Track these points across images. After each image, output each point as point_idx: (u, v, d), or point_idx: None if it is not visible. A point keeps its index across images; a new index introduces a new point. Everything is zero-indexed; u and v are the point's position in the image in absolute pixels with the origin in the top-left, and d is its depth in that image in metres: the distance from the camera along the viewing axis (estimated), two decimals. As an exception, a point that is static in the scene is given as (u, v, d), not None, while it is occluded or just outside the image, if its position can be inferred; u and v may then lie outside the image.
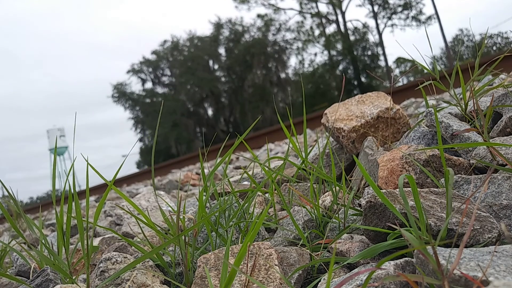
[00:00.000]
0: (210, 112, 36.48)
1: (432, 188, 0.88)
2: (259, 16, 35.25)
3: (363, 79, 33.19)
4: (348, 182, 1.37)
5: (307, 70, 34.88)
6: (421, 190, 0.87)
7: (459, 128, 1.16)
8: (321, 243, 0.96)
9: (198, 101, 35.03)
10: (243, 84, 34.62)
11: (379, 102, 1.55)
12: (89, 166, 0.96)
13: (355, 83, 33.26)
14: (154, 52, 36.99)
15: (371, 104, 1.55)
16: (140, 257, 0.86)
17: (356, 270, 0.75)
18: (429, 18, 32.00)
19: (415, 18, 32.74)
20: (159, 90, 36.94)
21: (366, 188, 1.12)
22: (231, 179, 2.23)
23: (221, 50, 36.39)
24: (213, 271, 0.83)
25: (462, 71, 1.33)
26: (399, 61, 33.24)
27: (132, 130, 37.24)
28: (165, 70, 37.20)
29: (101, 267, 0.96)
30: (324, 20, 34.73)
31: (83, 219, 0.94)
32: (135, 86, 53.07)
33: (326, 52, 34.81)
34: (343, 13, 34.01)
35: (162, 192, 2.09)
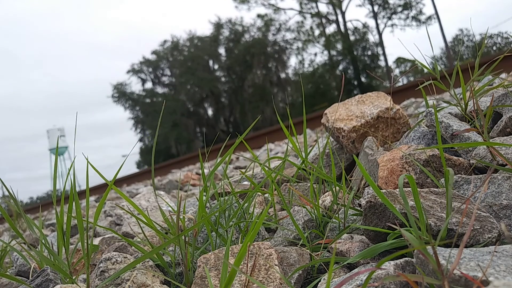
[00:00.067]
0: (210, 112, 36.50)
1: (432, 188, 0.88)
2: (259, 16, 35.27)
3: (363, 79, 33.20)
4: (348, 182, 1.37)
5: (307, 70, 34.89)
6: (421, 190, 0.87)
7: (459, 128, 1.16)
8: (321, 243, 0.96)
9: (198, 101, 35.03)
10: (243, 84, 34.63)
11: (379, 102, 1.55)
12: (89, 166, 0.96)
13: (355, 83, 33.27)
14: (154, 52, 37.01)
15: (371, 104, 1.55)
16: (140, 257, 0.86)
17: (356, 270, 0.75)
18: (429, 18, 32.01)
19: (415, 18, 32.75)
20: (159, 90, 36.97)
21: (366, 188, 1.12)
22: (231, 179, 2.23)
23: (221, 50, 36.42)
24: (213, 271, 0.83)
25: (462, 71, 1.33)
26: (399, 61, 33.24)
27: (132, 130, 37.28)
28: (165, 70, 37.21)
29: (101, 267, 0.96)
30: (324, 20, 34.74)
31: (83, 219, 0.94)
32: (135, 86, 53.14)
33: (326, 52, 34.83)
34: (343, 13, 34.01)
35: (162, 192, 2.09)
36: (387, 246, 0.75)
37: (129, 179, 11.72)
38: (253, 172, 1.54)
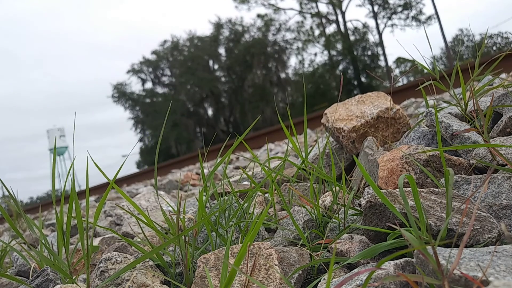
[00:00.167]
0: (210, 112, 36.50)
1: (432, 188, 0.88)
2: (259, 16, 35.26)
3: (363, 79, 33.20)
4: (348, 182, 1.37)
5: (307, 70, 34.91)
6: (421, 190, 0.87)
7: (459, 128, 1.16)
8: (321, 243, 0.96)
9: (198, 101, 35.03)
10: (243, 84, 34.62)
11: (379, 102, 1.55)
12: (90, 165, 0.96)
13: (355, 83, 33.26)
14: (154, 52, 37.00)
15: (371, 104, 1.55)
16: (140, 257, 0.86)
17: (356, 270, 0.75)
18: (429, 18, 32.00)
19: (415, 18, 32.75)
20: (159, 90, 36.96)
21: (366, 188, 1.12)
22: (231, 179, 2.23)
23: (221, 50, 36.41)
24: (213, 271, 0.83)
25: (462, 71, 1.33)
26: (399, 61, 33.24)
27: (132, 130, 37.27)
28: (165, 70, 37.21)
29: (101, 267, 0.96)
30: (324, 20, 34.74)
31: (83, 219, 0.94)
32: (135, 86, 53.12)
33: (326, 52, 34.83)
34: (343, 13, 34.01)
35: (162, 192, 2.09)
36: (387, 246, 0.75)
37: (129, 179, 11.72)
38: (253, 172, 1.54)
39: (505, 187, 0.85)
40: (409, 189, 0.85)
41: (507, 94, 1.29)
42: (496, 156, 0.97)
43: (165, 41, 37.07)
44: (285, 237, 1.08)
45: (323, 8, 38.49)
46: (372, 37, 34.13)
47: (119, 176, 11.42)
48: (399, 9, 32.94)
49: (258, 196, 1.39)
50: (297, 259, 0.89)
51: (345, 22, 34.05)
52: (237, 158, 5.52)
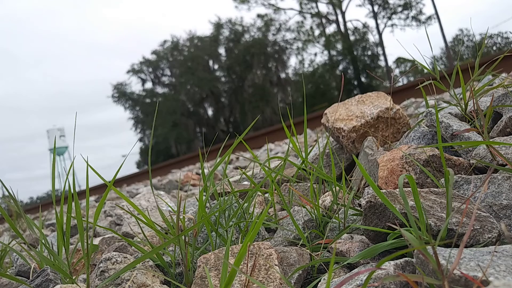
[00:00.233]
0: (210, 112, 36.49)
1: (432, 188, 0.88)
2: (259, 16, 35.26)
3: (363, 79, 33.20)
4: (348, 182, 1.37)
5: (307, 70, 34.91)
6: (421, 190, 0.87)
7: (459, 128, 1.16)
8: (321, 243, 0.96)
9: (198, 101, 35.03)
10: (243, 84, 34.62)
11: (379, 102, 1.55)
12: (89, 166, 0.96)
13: (355, 83, 33.26)
14: (154, 52, 37.00)
15: (371, 104, 1.55)
16: (140, 257, 0.86)
17: (356, 270, 0.75)
18: (429, 18, 32.00)
19: (415, 18, 32.74)
20: (159, 90, 36.96)
21: (366, 188, 1.12)
22: (231, 179, 2.23)
23: (221, 50, 36.40)
24: (213, 271, 0.83)
25: (462, 71, 1.33)
26: (399, 61, 33.23)
27: (132, 130, 37.27)
28: (165, 70, 37.20)
29: (101, 267, 0.96)
30: (324, 20, 34.74)
31: (83, 219, 0.94)
32: (135, 86, 53.12)
33: (326, 52, 34.83)
34: (343, 13, 34.01)
35: (162, 192, 2.09)
36: (387, 246, 0.75)
37: (129, 179, 11.72)
38: (253, 172, 1.54)
39: (505, 187, 0.85)
40: (409, 189, 0.85)
41: (507, 94, 1.29)
42: (496, 156, 0.97)
43: (165, 41, 37.08)
44: (285, 237, 1.08)
45: (323, 8, 38.52)
46: (372, 37, 34.15)
47: (119, 176, 11.42)
48: (399, 9, 32.94)
49: (258, 196, 1.39)
50: (297, 259, 0.89)
51: (345, 22, 34.06)
52: (237, 158, 5.52)
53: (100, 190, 11.53)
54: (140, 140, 36.28)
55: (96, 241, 1.43)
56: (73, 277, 0.99)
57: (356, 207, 1.07)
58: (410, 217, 0.67)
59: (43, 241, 1.08)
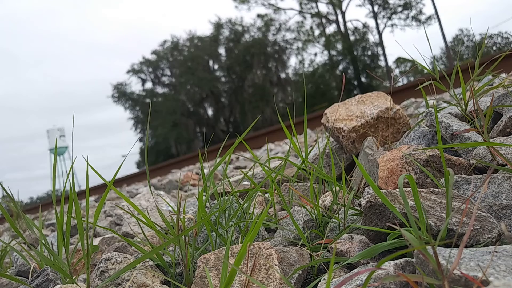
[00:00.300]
0: (210, 112, 36.49)
1: (432, 188, 0.88)
2: (259, 16, 35.25)
3: (363, 79, 33.20)
4: (348, 182, 1.37)
5: (307, 70, 34.91)
6: (421, 190, 0.87)
7: (459, 128, 1.16)
8: (321, 243, 0.96)
9: (198, 101, 35.03)
10: (243, 84, 34.62)
11: (379, 102, 1.55)
12: (89, 166, 0.96)
13: (355, 83, 33.27)
14: (154, 52, 36.99)
15: (371, 104, 1.55)
16: (140, 257, 0.86)
17: (356, 270, 0.75)
18: (429, 18, 32.00)
19: (415, 18, 32.74)
20: (159, 90, 36.96)
21: (366, 188, 1.12)
22: (231, 179, 2.23)
23: (221, 50, 36.39)
24: (213, 271, 0.83)
25: (462, 71, 1.33)
26: (399, 61, 33.23)
27: (132, 130, 37.27)
28: (165, 70, 37.20)
29: (101, 267, 0.96)
30: (324, 20, 34.74)
31: (83, 219, 0.94)
32: (135, 86, 53.13)
33: (326, 52, 34.83)
34: (343, 13, 34.01)
35: (162, 192, 2.09)
36: (387, 246, 0.75)
37: (129, 179, 11.71)
38: (253, 172, 1.54)
39: (505, 187, 0.85)
40: (409, 189, 0.85)
41: (507, 94, 1.29)
42: (496, 156, 0.97)
43: (165, 41, 37.07)
44: (285, 237, 1.08)
45: (323, 8, 38.52)
46: (372, 37, 34.15)
47: (119, 176, 11.41)
48: (399, 9, 32.94)
49: (258, 196, 1.39)
50: (297, 259, 0.89)
51: (345, 22, 34.06)
52: (237, 158, 5.52)
53: (100, 190, 11.53)
54: (140, 140, 36.27)
55: (96, 241, 1.43)
56: (73, 277, 0.99)
57: (356, 207, 1.07)
58: (410, 217, 0.67)
59: (43, 241, 1.08)
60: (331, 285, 0.72)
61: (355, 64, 33.39)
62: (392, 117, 1.50)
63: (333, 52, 34.30)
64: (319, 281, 0.77)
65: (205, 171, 4.38)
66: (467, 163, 1.07)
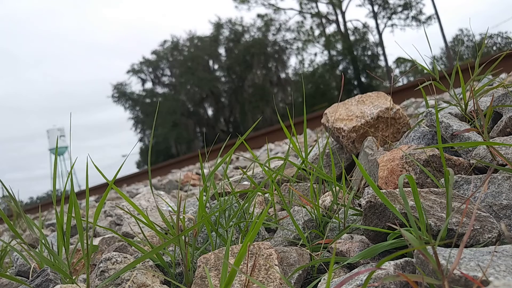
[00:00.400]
0: (210, 112, 36.49)
1: (432, 188, 0.88)
2: (259, 16, 35.25)
3: (363, 79, 33.19)
4: (348, 182, 1.37)
5: (307, 70, 34.92)
6: (421, 190, 0.87)
7: (459, 128, 1.16)
8: (321, 243, 0.96)
9: (198, 101, 35.03)
10: (243, 84, 34.62)
11: (379, 102, 1.55)
12: (88, 166, 0.96)
13: (355, 83, 33.26)
14: (154, 52, 36.99)
15: (371, 104, 1.55)
16: (140, 257, 0.86)
17: (356, 270, 0.75)
18: (429, 18, 32.00)
19: (415, 18, 32.74)
20: (159, 90, 36.95)
21: (366, 188, 1.12)
22: (231, 179, 2.23)
23: (221, 50, 36.39)
24: (213, 271, 0.83)
25: (462, 71, 1.33)
26: (399, 61, 33.22)
27: (132, 130, 37.28)
28: (165, 70, 37.19)
29: (101, 267, 0.96)
30: (324, 20, 34.74)
31: (83, 219, 0.94)
32: (135, 86, 53.16)
33: (326, 52, 34.83)
34: (343, 13, 34.01)
35: (162, 192, 2.09)
36: (387, 246, 0.75)
37: (129, 179, 11.71)
38: (253, 172, 1.54)
39: (505, 187, 0.85)
40: (409, 189, 0.85)
41: (507, 94, 1.29)
42: (496, 156, 0.97)
43: (165, 41, 37.07)
44: (285, 237, 1.08)
45: (323, 8, 38.52)
46: (372, 37, 34.15)
47: (119, 176, 11.42)
48: (399, 9, 32.94)
49: (258, 196, 1.39)
50: (297, 259, 0.89)
51: (345, 22, 34.06)
52: (237, 158, 5.52)
53: (100, 190, 11.53)
54: (140, 140, 36.29)
55: (96, 241, 1.43)
56: (73, 277, 0.99)
57: (356, 207, 1.07)
58: (410, 217, 0.67)
59: (43, 241, 1.08)
60: (331, 285, 0.72)
61: (355, 64, 33.40)
62: (392, 117, 1.50)
63: (333, 52, 34.32)
64: (319, 281, 0.77)
65: (205, 171, 4.38)
66: (467, 163, 1.07)
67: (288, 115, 1.42)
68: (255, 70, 33.90)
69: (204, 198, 1.07)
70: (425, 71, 1.38)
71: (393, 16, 33.30)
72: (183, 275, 0.95)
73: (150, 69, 36.94)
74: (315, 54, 35.59)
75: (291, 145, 1.33)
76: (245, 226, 1.09)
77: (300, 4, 34.87)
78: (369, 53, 33.99)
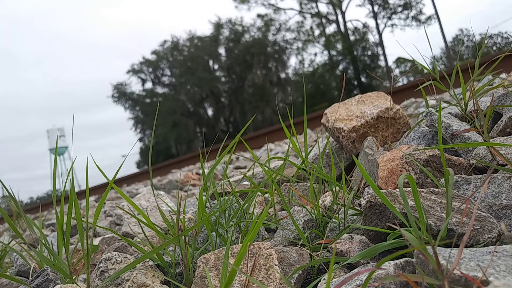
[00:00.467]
0: (210, 112, 36.50)
1: (432, 188, 0.88)
2: (259, 16, 35.26)
3: (363, 79, 33.19)
4: (348, 182, 1.37)
5: (307, 70, 34.92)
6: (421, 190, 0.87)
7: (459, 128, 1.16)
8: (321, 243, 0.96)
9: (198, 101, 35.02)
10: (243, 84, 34.62)
11: (379, 102, 1.55)
12: (89, 165, 0.96)
13: (355, 83, 33.26)
14: (154, 52, 36.99)
15: (371, 104, 1.55)
16: (140, 257, 0.86)
17: (356, 270, 0.75)
18: (429, 18, 32.00)
19: (415, 18, 32.74)
20: (159, 90, 36.96)
21: (366, 188, 1.12)
22: (231, 179, 2.23)
23: (221, 50, 36.39)
24: (213, 271, 0.83)
25: (462, 71, 1.33)
26: (399, 61, 33.22)
27: (132, 130, 37.27)
28: (165, 70, 37.20)
29: (101, 267, 0.96)
30: (324, 20, 34.74)
31: (83, 219, 0.94)
32: (135, 86, 53.17)
33: (326, 52, 34.83)
34: (343, 13, 34.01)
35: (162, 192, 2.09)
36: (387, 246, 0.75)
37: (129, 179, 11.72)
38: (253, 172, 1.54)
39: (505, 187, 0.85)
40: (409, 189, 0.85)
41: (507, 94, 1.29)
42: (496, 156, 0.97)
43: (165, 41, 37.07)
44: (285, 237, 1.08)
45: (323, 8, 38.52)
46: (372, 37, 34.15)
47: (119, 176, 11.41)
48: (399, 9, 32.94)
49: (258, 196, 1.39)
50: (297, 259, 0.89)
51: (345, 22, 34.05)
52: (237, 158, 5.52)
53: (100, 190, 11.54)
54: (140, 140, 36.29)
55: (96, 241, 1.43)
56: (73, 277, 0.99)
57: (356, 207, 1.07)
58: (410, 217, 0.67)
59: (43, 241, 1.08)
60: (331, 285, 0.72)
61: (355, 64, 33.39)
62: (392, 117, 1.50)
63: (333, 52, 34.31)
64: (319, 281, 0.77)
65: (205, 171, 4.38)
66: (467, 163, 1.07)
67: (288, 115, 1.42)
68: (255, 70, 33.90)
69: (204, 198, 1.07)
70: (425, 71, 1.38)
71: (393, 16, 33.30)
72: (183, 275, 0.95)
73: (150, 69, 36.94)
74: (315, 54, 35.61)
75: (291, 145, 1.33)
76: (245, 226, 1.09)
77: (300, 4, 34.87)
78: (369, 53, 34.00)
